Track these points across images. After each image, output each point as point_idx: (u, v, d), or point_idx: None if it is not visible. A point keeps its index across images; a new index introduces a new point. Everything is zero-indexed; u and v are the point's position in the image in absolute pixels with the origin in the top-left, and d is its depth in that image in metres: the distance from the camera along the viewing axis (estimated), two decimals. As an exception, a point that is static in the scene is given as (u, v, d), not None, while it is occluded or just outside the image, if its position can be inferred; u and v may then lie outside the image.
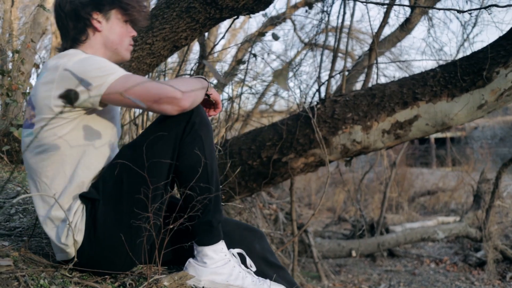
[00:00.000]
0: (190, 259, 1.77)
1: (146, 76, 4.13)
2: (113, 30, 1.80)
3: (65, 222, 1.61)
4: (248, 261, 1.86)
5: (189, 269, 1.74)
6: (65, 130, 1.59)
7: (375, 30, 4.53)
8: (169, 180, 1.66)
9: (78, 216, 1.62)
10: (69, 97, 0.98)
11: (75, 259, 1.62)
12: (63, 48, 1.80)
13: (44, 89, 1.58)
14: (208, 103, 1.89)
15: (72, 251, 1.64)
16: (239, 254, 1.87)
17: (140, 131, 4.42)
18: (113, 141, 1.76)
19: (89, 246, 1.63)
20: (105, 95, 1.54)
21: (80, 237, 1.62)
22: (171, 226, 1.63)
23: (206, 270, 1.71)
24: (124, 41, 1.84)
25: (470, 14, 2.65)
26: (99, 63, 1.57)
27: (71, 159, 1.62)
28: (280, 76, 1.02)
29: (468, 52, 3.42)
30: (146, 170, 1.57)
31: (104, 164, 1.70)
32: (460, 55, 7.48)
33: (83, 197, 1.63)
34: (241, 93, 5.78)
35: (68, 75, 1.54)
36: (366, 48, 8.81)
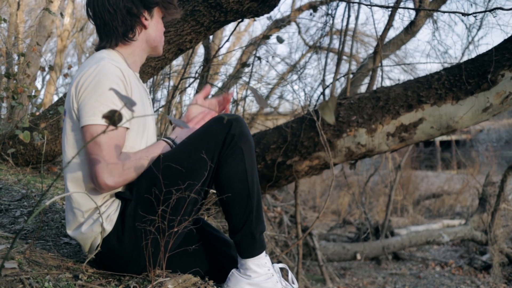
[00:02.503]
0: (234, 270, 1.78)
1: (151, 79, 4.14)
2: (155, 27, 1.85)
3: (96, 212, 1.67)
4: (290, 276, 1.88)
5: (231, 279, 1.76)
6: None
7: (380, 33, 4.53)
8: (202, 190, 1.68)
9: (113, 209, 1.67)
10: (113, 119, 0.99)
11: (99, 248, 1.65)
12: (103, 46, 1.81)
13: (68, 92, 1.66)
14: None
15: (88, 243, 1.70)
16: (282, 269, 1.88)
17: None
18: (148, 139, 1.79)
19: (115, 240, 1.66)
20: (84, 128, 1.59)
21: (109, 227, 1.66)
22: (176, 229, 1.63)
23: (248, 281, 1.73)
24: (162, 37, 1.91)
25: (475, 17, 2.65)
26: (103, 97, 1.59)
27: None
28: (325, 108, 1.02)
29: (473, 55, 3.42)
30: (180, 178, 1.61)
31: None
32: (465, 58, 7.47)
33: (117, 195, 1.68)
34: (246, 96, 5.79)
35: (79, 86, 1.61)
36: (370, 51, 8.80)
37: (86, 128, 1.58)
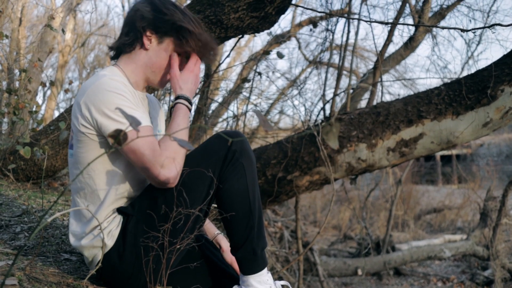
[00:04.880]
0: (235, 287, 1.78)
1: (152, 93, 4.15)
2: (159, 55, 1.79)
3: (96, 226, 1.68)
4: None
5: None
6: (100, 151, 1.66)
7: (380, 48, 4.55)
8: (204, 207, 1.68)
9: (114, 224, 1.68)
10: (118, 138, 1.00)
11: (100, 264, 1.66)
12: (112, 47, 1.85)
13: (73, 119, 1.66)
14: None
15: (89, 257, 1.71)
16: (284, 286, 1.88)
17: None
18: None
19: (116, 256, 1.67)
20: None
21: (110, 243, 1.67)
22: (178, 246, 1.63)
23: None
24: (164, 70, 1.83)
25: (474, 33, 2.66)
26: (118, 104, 1.59)
27: (109, 176, 1.68)
28: (329, 133, 1.04)
29: (473, 70, 3.43)
30: (182, 194, 1.61)
31: (143, 179, 1.76)
32: (465, 73, 7.48)
33: (119, 210, 1.69)
34: (246, 111, 5.79)
35: (88, 104, 1.59)
36: (370, 66, 8.85)
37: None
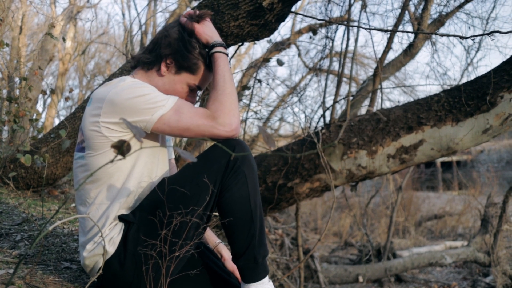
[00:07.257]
0: None
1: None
2: (173, 85, 1.84)
3: (98, 234, 1.69)
4: None
5: None
6: (111, 157, 1.66)
7: (379, 55, 4.55)
8: (205, 214, 1.68)
9: (116, 231, 1.68)
10: (121, 149, 1.00)
11: (101, 271, 1.65)
12: (134, 57, 1.90)
13: (91, 119, 1.65)
14: None
15: (90, 262, 1.71)
16: None
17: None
18: (158, 164, 1.80)
19: (117, 264, 1.67)
20: (153, 128, 1.63)
21: (112, 250, 1.67)
22: (177, 254, 1.63)
23: None
24: None
25: (473, 40, 2.66)
26: (147, 92, 1.63)
27: (116, 183, 1.69)
28: (332, 154, 1.04)
29: (472, 76, 3.44)
30: (183, 202, 1.62)
31: (148, 187, 1.75)
32: (464, 80, 7.48)
33: (121, 218, 1.69)
34: (246, 118, 5.80)
35: (115, 103, 1.61)
36: (370, 73, 8.86)
37: (159, 121, 1.61)
